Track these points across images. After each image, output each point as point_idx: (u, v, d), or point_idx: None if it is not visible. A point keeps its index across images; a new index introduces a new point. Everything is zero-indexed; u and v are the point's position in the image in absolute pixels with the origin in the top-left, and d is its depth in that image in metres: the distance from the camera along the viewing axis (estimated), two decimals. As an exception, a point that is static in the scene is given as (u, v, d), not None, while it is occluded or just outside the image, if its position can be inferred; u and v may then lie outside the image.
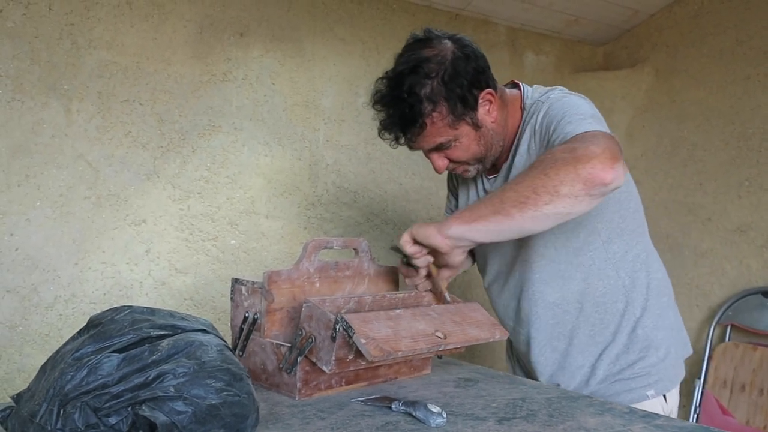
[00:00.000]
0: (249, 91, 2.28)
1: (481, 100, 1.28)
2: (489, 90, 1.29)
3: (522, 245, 1.38)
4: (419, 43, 1.28)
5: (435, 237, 1.16)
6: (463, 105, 1.25)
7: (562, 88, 1.35)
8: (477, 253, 1.54)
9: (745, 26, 2.75)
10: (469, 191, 1.49)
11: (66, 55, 1.95)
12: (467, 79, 1.24)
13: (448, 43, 1.27)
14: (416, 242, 1.20)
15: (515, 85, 1.40)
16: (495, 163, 1.39)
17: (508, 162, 1.36)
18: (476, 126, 1.29)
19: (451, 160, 1.35)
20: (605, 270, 1.34)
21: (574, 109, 1.21)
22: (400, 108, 1.25)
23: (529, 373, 1.48)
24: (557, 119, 1.21)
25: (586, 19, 2.99)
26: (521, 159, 1.32)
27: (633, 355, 1.34)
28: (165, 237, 2.11)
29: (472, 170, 1.38)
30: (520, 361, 1.55)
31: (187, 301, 2.15)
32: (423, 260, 1.23)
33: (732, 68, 2.78)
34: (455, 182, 1.59)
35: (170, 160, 2.13)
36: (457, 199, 1.58)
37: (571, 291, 1.35)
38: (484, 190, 1.44)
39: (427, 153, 1.35)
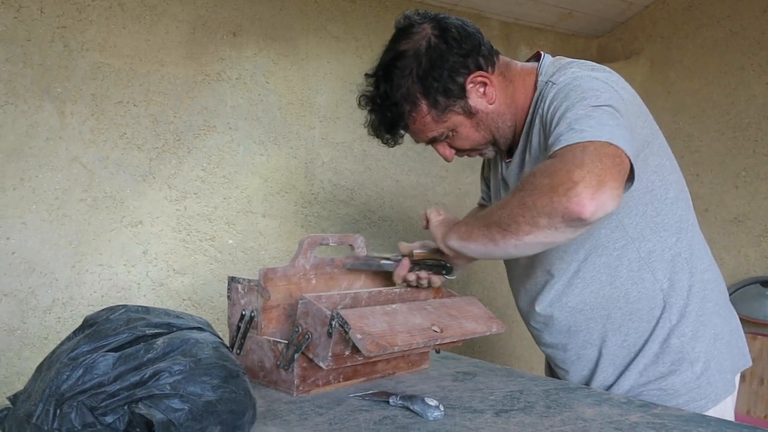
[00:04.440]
0: (243, 91, 2.28)
1: (470, 85, 1.19)
2: (479, 73, 1.19)
3: None
4: (399, 33, 1.23)
5: (439, 243, 1.21)
6: (446, 96, 1.17)
7: (582, 62, 1.20)
8: None
9: (738, 17, 2.75)
10: (497, 177, 1.37)
11: (58, 58, 1.95)
12: (447, 69, 1.16)
13: (427, 29, 1.19)
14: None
15: (539, 58, 1.27)
16: (511, 146, 1.29)
17: (520, 148, 1.24)
18: (469, 114, 1.20)
19: (456, 149, 1.27)
20: (639, 272, 1.18)
21: (581, 102, 1.04)
22: (380, 112, 1.22)
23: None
24: (559, 114, 1.06)
25: (579, 12, 2.99)
26: (536, 152, 1.20)
27: (663, 367, 1.19)
28: (162, 238, 2.11)
29: (489, 152, 1.30)
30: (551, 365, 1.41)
31: (185, 302, 2.15)
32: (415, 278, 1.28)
33: (726, 59, 2.78)
34: (488, 167, 1.48)
35: (166, 161, 2.12)
36: (489, 187, 1.49)
37: (594, 295, 1.21)
38: (503, 177, 1.33)
39: (430, 144, 1.28)
